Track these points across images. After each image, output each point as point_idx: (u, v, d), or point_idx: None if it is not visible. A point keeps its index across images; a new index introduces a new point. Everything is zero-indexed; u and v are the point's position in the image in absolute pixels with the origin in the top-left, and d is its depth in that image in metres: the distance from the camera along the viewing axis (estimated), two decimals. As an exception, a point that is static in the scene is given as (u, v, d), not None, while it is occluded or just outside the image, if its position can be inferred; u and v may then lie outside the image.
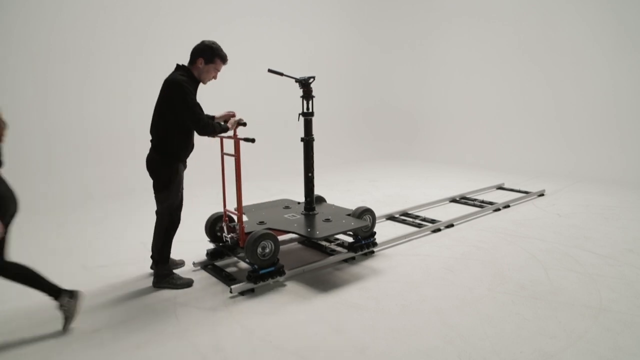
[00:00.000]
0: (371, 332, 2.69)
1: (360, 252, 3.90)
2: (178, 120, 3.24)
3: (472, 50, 9.39)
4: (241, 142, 3.46)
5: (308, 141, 3.97)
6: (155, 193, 3.35)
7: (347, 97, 10.26)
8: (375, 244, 4.02)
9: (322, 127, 9.73)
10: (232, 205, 3.68)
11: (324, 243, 4.21)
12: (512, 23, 8.68)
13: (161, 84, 3.31)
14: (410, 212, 5.37)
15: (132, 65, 7.02)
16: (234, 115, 3.59)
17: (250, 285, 3.24)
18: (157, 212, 3.37)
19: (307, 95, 3.91)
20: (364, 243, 3.92)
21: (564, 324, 2.75)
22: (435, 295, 3.17)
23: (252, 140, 3.44)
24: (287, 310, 2.98)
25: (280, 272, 3.39)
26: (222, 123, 3.42)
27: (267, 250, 3.30)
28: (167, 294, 3.25)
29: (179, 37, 7.47)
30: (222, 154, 3.77)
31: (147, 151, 3.35)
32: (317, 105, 9.85)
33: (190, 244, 4.27)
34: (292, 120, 9.13)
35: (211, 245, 3.90)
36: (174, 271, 3.49)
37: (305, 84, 3.91)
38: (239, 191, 3.50)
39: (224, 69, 3.58)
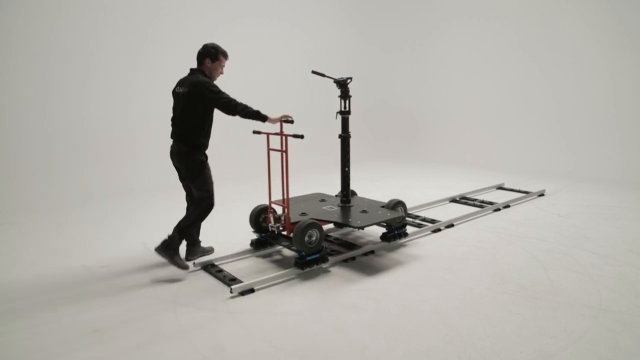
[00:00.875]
0: (371, 332, 2.69)
1: (394, 242, 4.17)
2: (208, 112, 3.75)
3: (472, 50, 9.39)
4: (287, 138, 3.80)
5: (345, 138, 4.27)
6: (191, 183, 3.76)
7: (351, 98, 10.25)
8: (406, 234, 4.30)
9: (322, 127, 9.74)
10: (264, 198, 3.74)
11: (323, 243, 4.22)
12: (512, 23, 8.68)
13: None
14: (410, 212, 5.37)
15: (132, 65, 7.02)
16: (290, 117, 3.88)
17: (249, 285, 3.25)
18: (197, 198, 3.73)
19: (345, 95, 4.19)
20: (396, 233, 4.18)
21: (564, 324, 2.75)
22: (435, 295, 3.16)
23: (301, 137, 3.70)
24: (287, 310, 2.98)
25: (324, 258, 3.65)
26: (264, 114, 3.79)
27: (314, 238, 3.56)
28: (167, 294, 3.25)
29: (179, 37, 7.47)
30: (269, 149, 4.07)
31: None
32: (317, 105, 9.89)
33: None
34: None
35: (254, 235, 4.15)
36: (200, 257, 3.87)
37: (343, 84, 4.17)
38: (286, 184, 3.79)
39: (225, 69, 4.05)
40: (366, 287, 3.33)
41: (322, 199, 4.61)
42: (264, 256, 4.03)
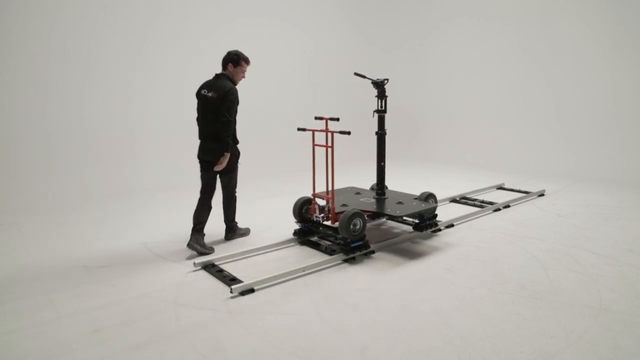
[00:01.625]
0: (371, 332, 2.69)
1: (426, 230, 4.43)
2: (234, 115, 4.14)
3: (472, 50, 9.39)
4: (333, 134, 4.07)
5: (381, 135, 4.57)
6: (224, 175, 4.26)
7: (346, 97, 10.25)
8: (436, 224, 4.57)
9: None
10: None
11: (323, 242, 4.22)
12: (512, 23, 8.68)
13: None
14: (410, 212, 5.36)
15: (132, 65, 7.02)
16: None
17: (249, 285, 3.25)
18: (223, 187, 4.36)
19: (381, 95, 4.46)
20: (428, 223, 4.44)
21: (564, 324, 2.75)
22: (435, 295, 3.17)
23: (348, 133, 3.99)
24: (287, 310, 2.98)
25: (366, 245, 3.92)
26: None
27: (358, 226, 3.82)
28: (167, 294, 3.25)
29: (179, 37, 7.47)
30: (314, 145, 4.36)
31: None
32: (317, 106, 9.89)
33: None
34: (291, 120, 9.14)
35: (297, 226, 4.48)
36: (237, 238, 4.53)
37: (379, 85, 4.45)
38: (332, 178, 4.09)
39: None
40: (366, 287, 3.33)
41: (357, 192, 4.95)
42: (305, 244, 4.32)
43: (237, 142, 4.29)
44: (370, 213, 4.18)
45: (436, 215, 4.57)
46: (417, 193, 4.91)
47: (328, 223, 4.18)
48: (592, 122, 7.79)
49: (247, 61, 4.27)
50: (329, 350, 2.50)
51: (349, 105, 10.34)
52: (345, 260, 3.10)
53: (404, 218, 4.54)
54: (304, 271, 3.57)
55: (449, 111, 10.00)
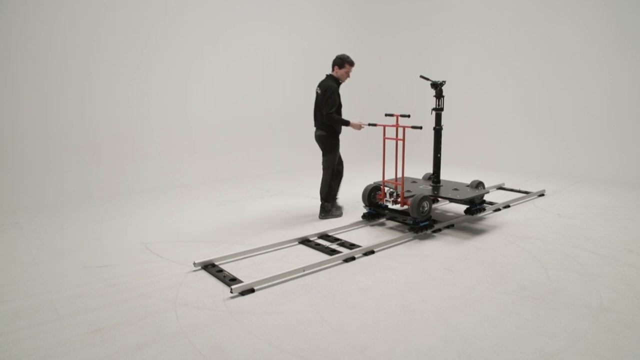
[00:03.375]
0: (371, 332, 2.69)
1: (477, 215, 5.02)
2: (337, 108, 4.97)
3: (472, 52, 9.39)
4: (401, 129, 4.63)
5: (438, 130, 5.10)
6: (323, 157, 5.11)
7: (346, 99, 10.25)
8: (484, 209, 5.10)
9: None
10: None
11: (323, 242, 4.22)
12: (512, 25, 8.67)
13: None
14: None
15: (132, 65, 7.02)
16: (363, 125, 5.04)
17: (249, 285, 3.26)
18: (323, 168, 5.13)
19: (439, 95, 5.00)
20: (478, 207, 4.97)
21: (564, 324, 2.75)
22: (435, 295, 3.16)
23: (420, 127, 4.57)
24: (287, 310, 2.98)
25: (431, 225, 4.55)
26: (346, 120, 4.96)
27: (425, 208, 4.44)
28: (167, 294, 3.25)
29: (180, 38, 7.47)
30: (384, 138, 4.93)
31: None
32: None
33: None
34: (289, 121, 9.15)
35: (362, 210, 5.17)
36: (332, 215, 5.22)
37: (437, 86, 4.97)
38: (402, 167, 4.76)
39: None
40: (366, 287, 3.33)
41: (413, 180, 5.51)
42: (373, 225, 4.88)
43: (338, 132, 5.05)
44: (434, 197, 4.84)
45: (484, 201, 5.26)
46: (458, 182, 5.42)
47: (396, 207, 4.92)
48: (592, 123, 7.78)
49: (351, 64, 5.06)
50: (329, 350, 2.50)
51: (350, 107, 10.35)
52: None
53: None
54: (303, 271, 3.57)
55: (449, 112, 9.98)
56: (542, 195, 6.25)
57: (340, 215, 5.22)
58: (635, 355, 2.42)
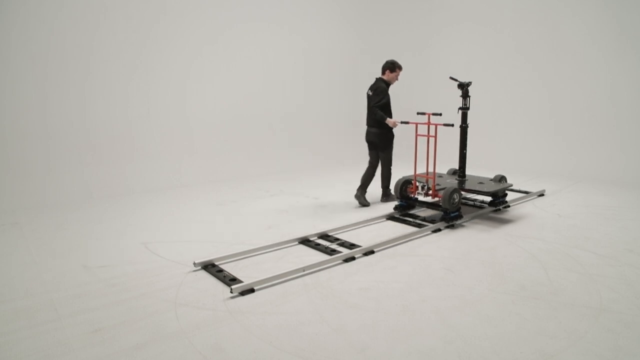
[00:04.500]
0: (371, 332, 2.69)
1: (500, 207, 5.41)
2: (386, 107, 5.64)
3: (472, 52, 9.39)
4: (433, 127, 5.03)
5: (464, 128, 5.40)
6: (380, 152, 5.72)
7: (347, 99, 10.26)
8: (506, 202, 5.50)
9: (325, 129, 9.74)
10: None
11: (323, 242, 4.23)
12: (512, 25, 8.67)
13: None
14: (410, 212, 5.37)
15: (132, 65, 7.02)
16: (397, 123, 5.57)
17: (249, 285, 3.26)
18: (382, 162, 5.77)
19: (465, 95, 5.30)
20: (501, 200, 5.38)
21: (564, 324, 2.75)
22: (435, 295, 3.16)
23: (452, 125, 5.03)
24: (287, 310, 2.98)
25: (460, 216, 4.91)
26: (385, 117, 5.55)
27: (456, 200, 4.78)
28: (167, 294, 3.25)
29: (180, 38, 7.47)
30: (416, 135, 5.30)
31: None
32: (318, 107, 9.88)
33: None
34: (289, 121, 9.15)
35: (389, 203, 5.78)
36: (386, 202, 5.91)
37: (464, 86, 5.28)
38: (434, 162, 5.15)
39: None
40: (366, 287, 3.33)
41: (439, 175, 5.78)
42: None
43: (393, 125, 5.54)
44: (464, 191, 5.15)
45: (506, 194, 5.53)
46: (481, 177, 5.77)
47: (427, 199, 5.32)
48: (592, 123, 7.78)
49: (400, 68, 5.70)
50: (329, 350, 2.50)
51: (350, 107, 10.35)
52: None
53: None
54: (304, 271, 3.57)
55: (450, 112, 9.98)
56: (542, 195, 6.25)
57: (367, 205, 5.76)
58: (635, 355, 2.42)
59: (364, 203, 5.73)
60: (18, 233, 4.79)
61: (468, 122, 5.50)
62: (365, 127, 5.84)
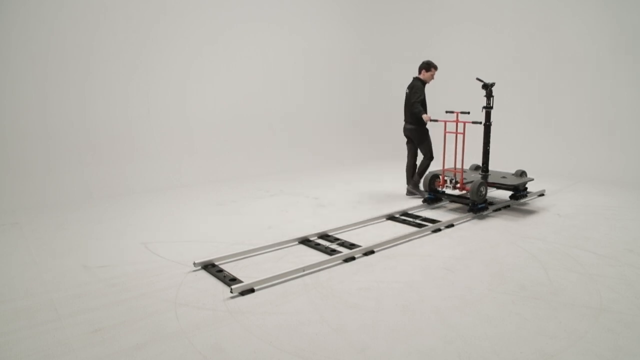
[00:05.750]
0: (371, 332, 2.69)
1: (522, 200, 5.79)
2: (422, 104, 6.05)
3: (472, 52, 9.39)
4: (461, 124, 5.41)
5: (488, 126, 5.60)
6: (419, 145, 6.15)
7: (347, 99, 10.26)
8: (526, 195, 5.88)
9: (325, 129, 9.74)
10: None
11: (323, 242, 4.23)
12: (512, 25, 8.67)
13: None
14: (410, 212, 5.37)
15: (132, 65, 7.02)
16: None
17: (249, 285, 3.26)
18: (423, 155, 6.13)
19: (489, 95, 5.52)
20: (522, 193, 5.77)
21: (564, 324, 2.75)
22: (435, 295, 3.16)
23: (480, 123, 5.43)
24: (287, 310, 2.98)
25: (486, 207, 5.29)
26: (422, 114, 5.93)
27: (483, 192, 5.19)
28: (167, 294, 3.25)
29: (180, 38, 7.47)
30: (445, 132, 5.63)
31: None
32: (318, 107, 9.87)
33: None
34: (289, 121, 9.15)
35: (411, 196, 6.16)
36: (413, 197, 6.20)
37: (487, 87, 5.51)
38: (462, 158, 5.50)
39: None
40: (366, 287, 3.33)
41: (464, 170, 6.03)
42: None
43: (426, 120, 5.90)
44: (488, 184, 5.48)
45: (527, 188, 5.90)
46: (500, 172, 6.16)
47: (455, 192, 5.74)
48: (592, 123, 7.78)
49: (435, 68, 6.12)
50: (329, 350, 2.50)
51: (351, 107, 10.35)
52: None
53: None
54: (303, 271, 3.57)
55: (448, 110, 9.98)
56: (542, 195, 6.25)
57: (423, 195, 5.95)
58: (635, 355, 2.42)
59: (420, 193, 6.08)
60: (18, 233, 4.79)
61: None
62: (402, 123, 6.36)
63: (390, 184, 7.33)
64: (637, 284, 3.30)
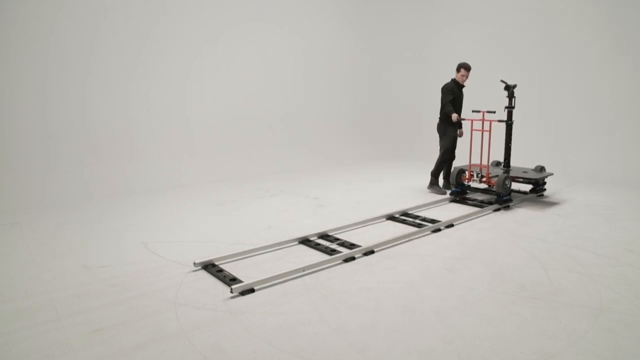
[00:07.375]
0: (371, 332, 2.69)
1: (540, 194, 6.11)
2: (452, 102, 6.41)
3: (472, 52, 9.38)
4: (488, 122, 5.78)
5: (509, 125, 5.83)
6: (440, 139, 6.54)
7: (347, 99, 10.26)
8: (545, 189, 6.19)
9: (325, 129, 9.74)
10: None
11: (323, 242, 4.23)
12: (512, 25, 8.67)
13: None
14: (410, 212, 5.38)
15: (132, 65, 7.02)
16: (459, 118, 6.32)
17: (249, 285, 3.26)
18: (440, 149, 6.51)
19: (511, 95, 5.75)
20: (541, 187, 6.09)
21: (564, 324, 2.75)
22: (435, 295, 3.16)
23: (505, 121, 5.72)
24: (287, 310, 2.98)
25: (511, 199, 5.69)
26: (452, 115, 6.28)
27: (508, 185, 5.59)
28: (167, 294, 3.25)
29: (180, 38, 7.47)
30: (472, 130, 6.00)
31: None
32: (318, 107, 9.86)
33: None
34: (289, 121, 9.15)
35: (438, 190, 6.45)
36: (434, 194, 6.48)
37: (509, 88, 5.74)
38: (488, 154, 5.87)
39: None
40: (366, 287, 3.33)
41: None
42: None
43: (454, 120, 6.24)
44: (512, 179, 5.76)
45: (545, 182, 6.20)
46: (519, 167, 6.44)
47: (481, 185, 6.09)
48: (592, 122, 7.78)
49: (467, 69, 6.42)
50: (329, 350, 2.50)
51: (351, 107, 10.35)
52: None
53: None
54: (303, 271, 3.57)
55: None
56: (542, 195, 6.25)
57: (443, 194, 6.31)
58: (635, 355, 2.42)
59: (438, 191, 6.42)
60: (18, 233, 4.79)
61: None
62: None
63: (390, 183, 7.33)
64: (637, 284, 3.30)
